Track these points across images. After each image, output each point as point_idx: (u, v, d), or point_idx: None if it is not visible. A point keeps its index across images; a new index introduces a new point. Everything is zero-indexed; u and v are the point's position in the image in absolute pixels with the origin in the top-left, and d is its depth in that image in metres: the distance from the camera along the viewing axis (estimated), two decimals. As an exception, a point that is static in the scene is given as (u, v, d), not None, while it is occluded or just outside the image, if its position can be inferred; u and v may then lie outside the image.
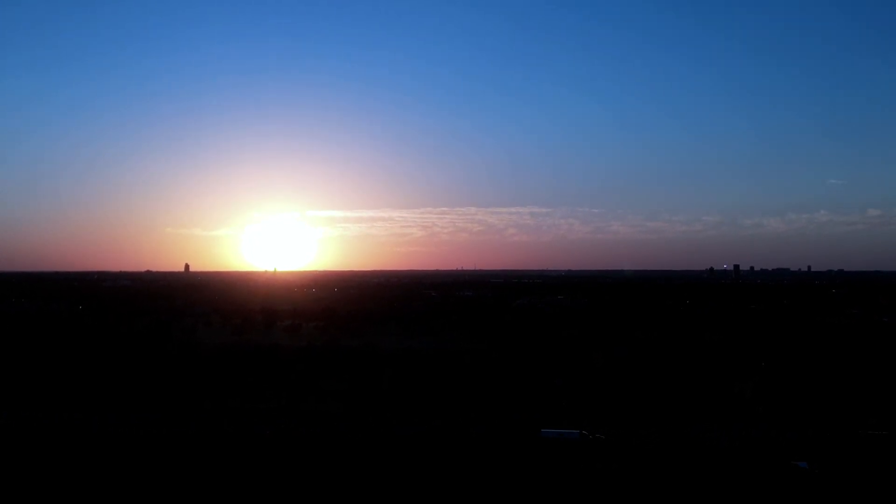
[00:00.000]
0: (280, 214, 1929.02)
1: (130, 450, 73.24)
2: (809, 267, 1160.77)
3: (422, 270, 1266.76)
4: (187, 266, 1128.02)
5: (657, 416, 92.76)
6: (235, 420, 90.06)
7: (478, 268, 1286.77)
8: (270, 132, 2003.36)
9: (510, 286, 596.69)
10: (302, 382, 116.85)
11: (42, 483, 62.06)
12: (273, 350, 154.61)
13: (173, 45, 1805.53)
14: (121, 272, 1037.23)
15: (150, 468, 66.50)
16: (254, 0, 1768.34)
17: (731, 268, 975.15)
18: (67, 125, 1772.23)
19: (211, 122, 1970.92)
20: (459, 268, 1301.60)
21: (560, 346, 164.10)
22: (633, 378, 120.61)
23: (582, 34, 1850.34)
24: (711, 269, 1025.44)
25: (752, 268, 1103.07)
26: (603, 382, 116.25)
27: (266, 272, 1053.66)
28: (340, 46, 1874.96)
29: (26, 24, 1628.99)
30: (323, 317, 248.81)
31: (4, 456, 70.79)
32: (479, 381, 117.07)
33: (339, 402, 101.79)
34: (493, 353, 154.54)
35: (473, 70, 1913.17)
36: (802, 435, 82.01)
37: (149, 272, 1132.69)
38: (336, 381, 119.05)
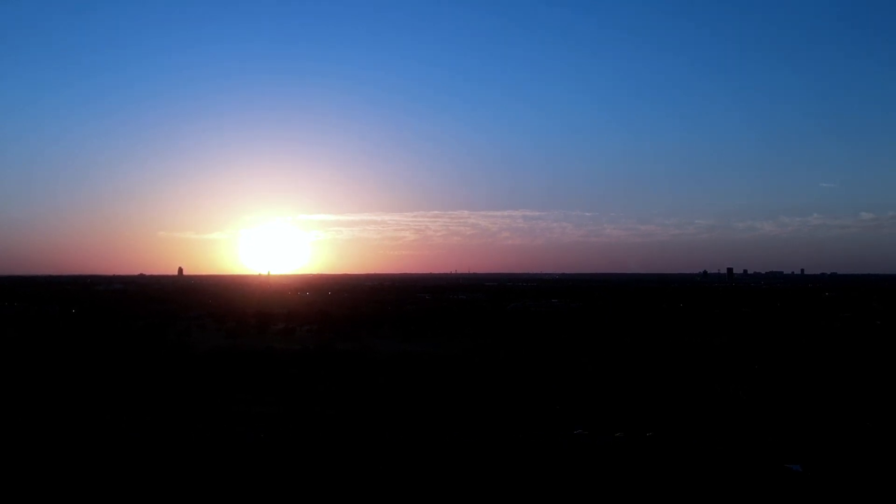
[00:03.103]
0: (273, 218, 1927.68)
1: (122, 453, 73.04)
2: (803, 270, 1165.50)
3: (415, 274, 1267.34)
4: (181, 269, 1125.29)
5: (651, 418, 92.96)
6: (228, 423, 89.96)
7: (472, 271, 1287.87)
8: (263, 136, 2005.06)
9: (504, 289, 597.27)
10: (295, 386, 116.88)
11: (33, 486, 61.93)
12: (267, 353, 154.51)
13: (166, 48, 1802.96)
14: (114, 276, 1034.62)
15: (141, 471, 66.40)
16: (245, 3, 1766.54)
17: (725, 271, 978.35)
18: (59, 128, 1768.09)
19: (203, 125, 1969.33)
20: (454, 271, 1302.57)
21: (554, 350, 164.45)
22: (627, 381, 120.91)
23: (576, 36, 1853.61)
24: (705, 271, 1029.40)
25: (745, 271, 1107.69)
26: (596, 386, 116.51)
27: (260, 275, 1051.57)
28: (332, 49, 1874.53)
29: (18, 26, 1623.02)
30: (317, 320, 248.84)
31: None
32: (474, 384, 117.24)
33: (333, 406, 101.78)
34: (489, 356, 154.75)
35: (466, 73, 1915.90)
36: (796, 438, 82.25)
37: (142, 275, 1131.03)
38: (330, 384, 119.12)
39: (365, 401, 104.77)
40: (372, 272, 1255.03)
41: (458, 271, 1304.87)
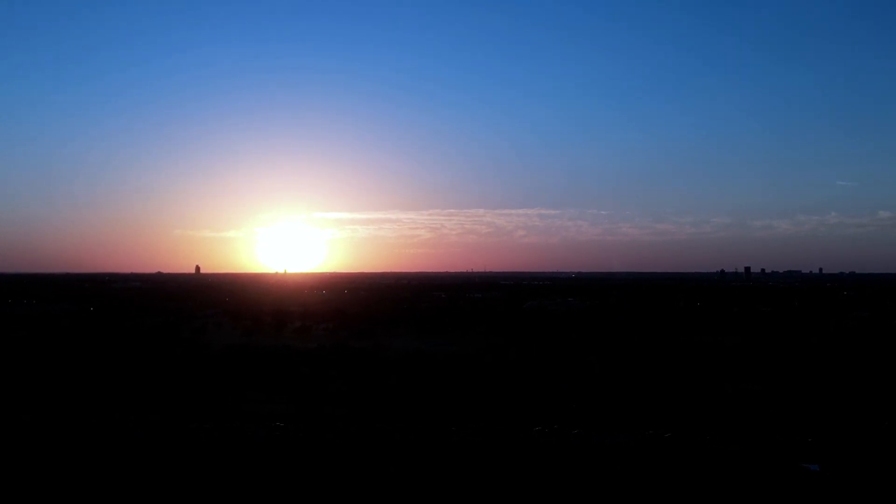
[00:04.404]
0: (289, 216, 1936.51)
1: (124, 453, 72.66)
2: (821, 269, 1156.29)
3: (431, 272, 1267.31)
4: (198, 267, 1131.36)
5: (666, 418, 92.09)
6: (238, 422, 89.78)
7: (487, 269, 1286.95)
8: (279, 134, 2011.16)
9: (520, 288, 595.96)
10: (308, 385, 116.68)
11: (35, 482, 61.87)
12: (282, 352, 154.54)
13: (181, 46, 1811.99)
14: (131, 273, 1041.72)
15: (141, 472, 66.15)
16: (259, 2, 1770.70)
17: (742, 270, 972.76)
18: (76, 127, 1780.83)
19: (219, 124, 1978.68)
20: (470, 270, 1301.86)
21: (568, 349, 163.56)
22: (641, 381, 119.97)
23: (590, 33, 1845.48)
24: (722, 270, 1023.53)
25: (763, 270, 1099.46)
26: (609, 385, 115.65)
27: (276, 274, 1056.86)
28: (347, 48, 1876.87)
29: (35, 24, 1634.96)
30: (333, 318, 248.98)
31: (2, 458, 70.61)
32: (486, 383, 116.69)
33: (344, 405, 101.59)
34: (501, 355, 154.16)
35: (481, 70, 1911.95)
36: (812, 437, 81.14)
37: (160, 273, 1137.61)
38: (342, 383, 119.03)
39: (376, 400, 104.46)
40: (388, 270, 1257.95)
41: (474, 270, 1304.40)
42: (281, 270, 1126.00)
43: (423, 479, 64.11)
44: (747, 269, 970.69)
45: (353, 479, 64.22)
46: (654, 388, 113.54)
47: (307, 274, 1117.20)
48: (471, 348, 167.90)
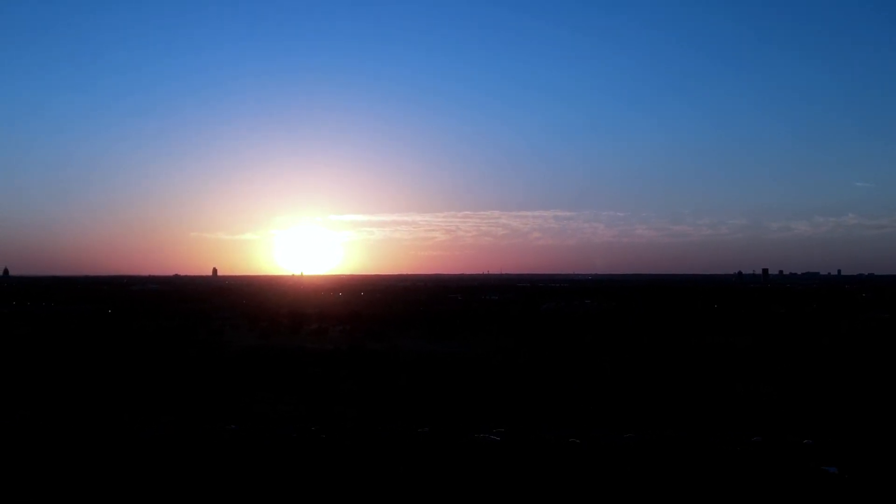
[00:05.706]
0: (305, 218, 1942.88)
1: (126, 455, 72.72)
2: (839, 271, 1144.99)
3: (447, 274, 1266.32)
4: (215, 270, 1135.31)
5: (683, 420, 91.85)
6: (248, 423, 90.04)
7: (504, 272, 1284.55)
8: (295, 137, 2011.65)
9: (536, 290, 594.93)
10: (321, 386, 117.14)
11: (44, 484, 62.19)
12: (297, 353, 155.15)
13: (198, 48, 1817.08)
14: (149, 276, 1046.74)
15: (146, 471, 66.37)
16: (275, 3, 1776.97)
17: (760, 272, 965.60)
18: (93, 130, 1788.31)
19: (236, 127, 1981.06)
20: (486, 272, 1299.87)
21: (580, 351, 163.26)
22: (653, 382, 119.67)
23: (605, 33, 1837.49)
24: (740, 272, 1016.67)
25: (781, 271, 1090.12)
26: (621, 387, 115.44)
27: (293, 276, 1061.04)
28: (362, 49, 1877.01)
29: (50, 24, 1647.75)
30: (349, 320, 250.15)
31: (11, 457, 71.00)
32: (497, 385, 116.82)
33: (354, 406, 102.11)
34: (514, 357, 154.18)
35: (497, 71, 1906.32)
36: (831, 439, 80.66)
37: (177, 276, 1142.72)
38: (352, 383, 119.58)
39: (386, 401, 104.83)
40: (404, 273, 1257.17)
41: (491, 272, 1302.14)
42: (298, 273, 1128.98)
43: (431, 480, 64.30)
44: (765, 270, 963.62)
45: (361, 479, 64.45)
46: (666, 389, 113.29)
47: (324, 276, 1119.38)
48: (482, 350, 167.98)
